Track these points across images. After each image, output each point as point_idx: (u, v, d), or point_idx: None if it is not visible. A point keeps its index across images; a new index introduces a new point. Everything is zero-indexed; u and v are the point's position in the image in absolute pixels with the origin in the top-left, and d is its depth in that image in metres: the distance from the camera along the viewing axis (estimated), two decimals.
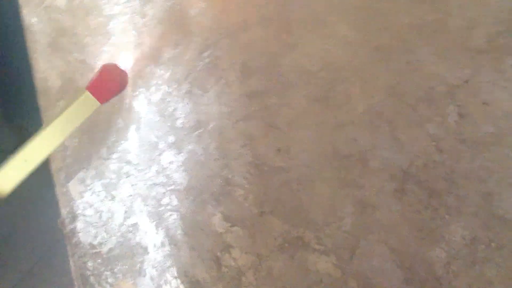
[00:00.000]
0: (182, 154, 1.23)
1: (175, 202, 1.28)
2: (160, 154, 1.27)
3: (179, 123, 1.21)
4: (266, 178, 1.13)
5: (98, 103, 0.73)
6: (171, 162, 1.25)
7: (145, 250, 1.38)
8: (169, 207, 1.30)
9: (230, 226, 1.21)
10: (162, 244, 1.34)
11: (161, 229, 1.33)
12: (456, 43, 0.87)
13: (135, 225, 1.38)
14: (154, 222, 1.33)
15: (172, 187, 1.27)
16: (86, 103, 0.71)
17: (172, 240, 1.32)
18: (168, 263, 1.34)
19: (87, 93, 0.71)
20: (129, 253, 1.41)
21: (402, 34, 0.92)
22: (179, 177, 1.25)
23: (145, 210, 1.34)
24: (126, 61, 0.74)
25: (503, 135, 0.86)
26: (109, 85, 0.75)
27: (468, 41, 0.87)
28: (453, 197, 0.92)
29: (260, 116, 1.09)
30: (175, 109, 1.21)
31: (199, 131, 1.19)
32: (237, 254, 1.21)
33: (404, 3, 0.91)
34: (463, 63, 0.88)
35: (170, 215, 1.30)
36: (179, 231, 1.29)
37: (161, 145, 1.25)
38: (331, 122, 1.02)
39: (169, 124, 1.23)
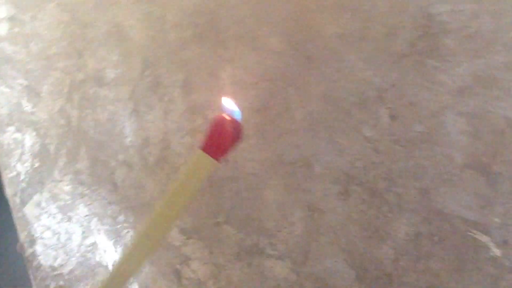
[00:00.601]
0: (133, 171, 1.27)
1: (131, 219, 1.32)
2: (112, 173, 1.30)
3: (128, 141, 1.25)
4: (217, 189, 1.17)
5: (215, 163, 0.65)
6: (123, 180, 1.29)
7: (106, 269, 1.42)
8: (125, 224, 1.34)
9: (187, 239, 1.25)
10: None
11: (120, 247, 1.37)
12: (380, 49, 0.93)
13: (93, 244, 1.42)
14: (112, 240, 1.37)
15: (127, 204, 1.31)
16: (202, 164, 0.65)
17: None
18: (130, 279, 1.37)
19: (202, 153, 0.64)
20: (90, 273, 1.45)
21: (330, 43, 0.97)
22: (133, 194, 1.29)
23: (102, 229, 1.38)
24: (236, 111, 0.68)
25: (432, 133, 0.92)
26: (223, 139, 0.64)
27: (391, 46, 0.92)
28: (393, 195, 0.98)
29: (204, 130, 1.14)
30: (122, 128, 1.25)
31: (149, 147, 1.23)
32: (196, 265, 1.26)
33: (329, 14, 0.97)
34: (388, 68, 0.93)
35: (128, 232, 1.34)
36: None
37: (112, 164, 1.29)
38: (273, 131, 1.07)
39: (118, 143, 1.26)
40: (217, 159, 0.63)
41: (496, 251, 0.92)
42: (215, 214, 1.19)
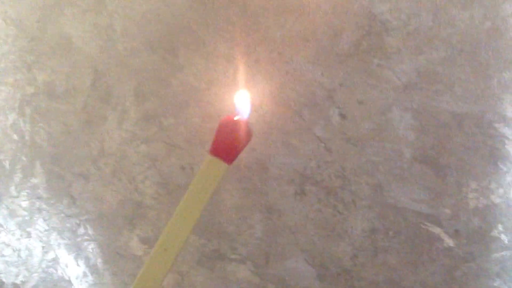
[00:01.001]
0: (90, 183, 1.27)
1: (91, 231, 1.32)
2: (69, 186, 1.30)
3: (82, 152, 1.25)
4: (175, 196, 1.18)
5: (226, 165, 0.63)
6: (80, 193, 1.29)
7: (69, 283, 1.41)
8: (85, 237, 1.33)
9: (148, 248, 1.26)
10: (85, 275, 1.37)
11: (81, 260, 1.36)
12: (327, 50, 0.95)
13: (55, 259, 1.41)
14: (73, 254, 1.37)
15: (86, 216, 1.31)
16: (213, 168, 0.62)
17: (93, 270, 1.36)
18: None
19: (211, 158, 0.62)
20: None
21: (277, 46, 0.99)
22: (91, 206, 1.29)
23: (62, 243, 1.37)
24: (244, 110, 0.64)
25: (381, 130, 0.94)
26: (232, 141, 0.62)
27: (337, 46, 0.95)
28: (347, 192, 1.01)
29: (160, 138, 1.15)
30: (77, 140, 1.25)
31: (104, 158, 1.23)
32: None
33: (274, 17, 0.99)
34: (336, 68, 0.96)
35: (88, 244, 1.34)
36: (99, 260, 1.33)
37: (69, 177, 1.29)
38: None
39: (73, 155, 1.26)
40: (228, 162, 0.62)
41: (449, 242, 0.95)
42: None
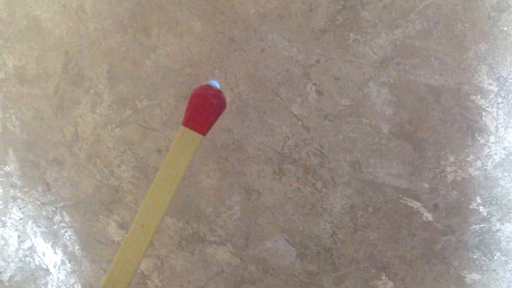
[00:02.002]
0: (65, 169, 1.24)
1: (67, 218, 1.29)
2: (43, 173, 1.27)
3: (56, 138, 1.22)
4: (151, 180, 1.16)
5: (200, 136, 0.61)
6: (55, 179, 1.26)
7: (47, 271, 1.39)
8: (62, 224, 1.31)
9: (126, 233, 1.24)
10: (62, 263, 1.35)
11: (59, 248, 1.34)
12: (302, 26, 0.94)
13: (31, 248, 1.38)
14: (50, 242, 1.34)
15: (62, 203, 1.29)
16: (187, 140, 0.61)
17: (71, 257, 1.33)
18: (72, 280, 1.35)
19: (185, 129, 0.61)
20: (31, 277, 1.41)
21: (252, 24, 0.97)
22: (67, 193, 1.26)
23: (38, 231, 1.35)
24: (215, 81, 0.62)
25: (358, 106, 0.93)
26: (205, 111, 0.60)
27: (312, 22, 0.93)
28: (326, 170, 1.00)
29: (135, 121, 1.13)
30: (50, 126, 1.22)
31: (79, 143, 1.20)
32: None
33: None
34: (311, 44, 0.94)
35: (65, 232, 1.31)
36: (77, 247, 1.31)
37: (43, 164, 1.26)
38: None
39: (46, 141, 1.23)
40: (201, 133, 0.61)
41: (428, 216, 0.94)
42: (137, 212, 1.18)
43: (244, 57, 0.99)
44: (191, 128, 0.61)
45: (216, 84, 0.62)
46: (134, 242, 0.58)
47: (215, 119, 0.63)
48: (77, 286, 1.33)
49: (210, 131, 0.67)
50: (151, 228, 0.59)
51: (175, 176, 0.61)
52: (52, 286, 1.39)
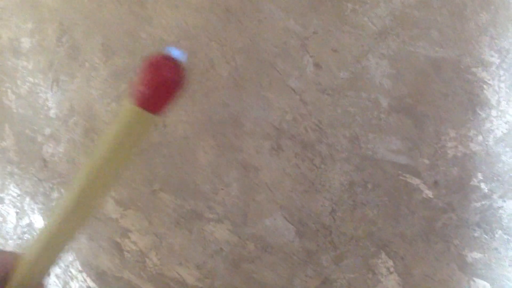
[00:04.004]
0: (61, 144, 1.26)
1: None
2: (40, 148, 1.29)
3: (52, 113, 1.23)
4: (148, 156, 1.17)
5: (153, 117, 0.49)
6: (52, 155, 1.28)
7: None
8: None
9: (124, 210, 1.25)
10: None
11: None
12: None
13: (29, 225, 1.41)
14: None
15: (59, 179, 1.30)
16: (136, 120, 0.49)
17: None
18: (70, 258, 1.37)
19: (135, 108, 0.49)
20: None
21: None
22: (64, 169, 1.28)
23: (36, 208, 1.37)
24: (177, 50, 0.49)
25: (356, 79, 0.93)
26: (159, 85, 0.48)
27: None
28: (324, 146, 1.00)
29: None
30: (45, 100, 1.23)
31: (74, 118, 1.22)
32: (136, 237, 1.26)
33: None
34: (309, 15, 0.94)
35: None
36: None
37: (39, 139, 1.28)
38: (200, 90, 1.07)
39: (42, 116, 1.25)
40: (154, 113, 0.50)
41: (428, 193, 0.95)
42: (150, 182, 1.20)
43: (240, 29, 1.00)
44: (143, 107, 0.49)
45: (176, 52, 0.49)
46: (58, 229, 0.51)
47: (173, 97, 0.51)
48: (76, 264, 1.35)
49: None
50: (85, 212, 0.51)
51: (118, 161, 0.50)
52: None
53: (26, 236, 1.41)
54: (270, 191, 1.07)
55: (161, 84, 0.49)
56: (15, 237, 1.43)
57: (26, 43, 1.19)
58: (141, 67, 0.50)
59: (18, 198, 1.36)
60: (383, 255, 1.02)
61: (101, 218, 1.28)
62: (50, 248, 0.52)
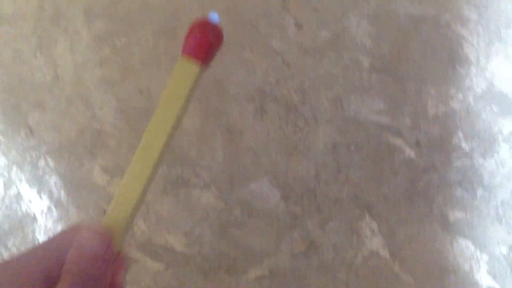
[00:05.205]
0: (47, 112, 1.29)
1: (51, 163, 1.34)
2: (25, 117, 1.32)
3: (37, 80, 1.26)
4: (134, 122, 1.20)
5: (200, 65, 0.59)
6: (38, 123, 1.31)
7: (34, 218, 1.45)
8: (47, 169, 1.36)
9: (111, 178, 1.29)
10: (49, 209, 1.41)
11: (44, 194, 1.39)
12: None
13: (17, 195, 1.44)
14: (36, 188, 1.40)
15: (45, 148, 1.34)
16: (187, 69, 0.59)
17: (57, 203, 1.39)
18: (59, 228, 1.41)
19: (184, 58, 0.59)
20: (18, 225, 1.48)
21: None
22: (50, 137, 1.31)
23: (23, 178, 1.40)
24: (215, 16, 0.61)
25: (338, 39, 0.96)
26: (205, 40, 0.59)
27: None
28: (307, 108, 1.03)
29: (114, 60, 1.16)
30: (30, 67, 1.26)
31: (59, 84, 1.24)
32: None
33: None
34: None
35: (50, 177, 1.36)
36: (62, 193, 1.37)
37: (24, 107, 1.31)
38: None
39: (27, 83, 1.28)
40: (202, 62, 0.59)
41: (410, 153, 0.97)
42: (135, 149, 1.22)
43: None
44: (191, 57, 0.59)
45: (216, 16, 0.62)
46: (135, 180, 0.57)
47: (215, 52, 0.61)
48: None
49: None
50: (154, 160, 0.58)
51: (174, 108, 0.60)
52: (40, 233, 1.45)
53: (15, 206, 1.45)
54: (255, 155, 1.10)
55: (210, 40, 0.58)
56: (3, 207, 1.46)
57: (8, 8, 1.21)
58: (192, 27, 0.59)
59: (5, 167, 1.40)
60: (367, 217, 1.05)
61: (88, 186, 1.31)
62: (129, 211, 0.58)
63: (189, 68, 0.59)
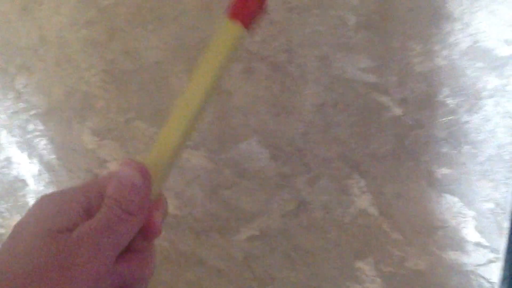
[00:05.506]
0: (34, 74, 1.30)
1: (40, 126, 1.36)
2: (12, 80, 1.33)
3: (23, 42, 1.27)
4: (122, 84, 1.21)
5: (243, 29, 0.65)
6: (25, 85, 1.32)
7: (24, 182, 1.47)
8: (36, 133, 1.38)
9: (100, 140, 1.30)
10: (40, 173, 1.43)
11: (34, 158, 1.41)
12: None
13: (7, 159, 1.46)
14: (26, 152, 1.41)
15: (34, 111, 1.35)
16: (229, 30, 0.64)
17: (48, 167, 1.41)
18: (50, 191, 1.43)
19: (228, 20, 0.64)
20: (9, 189, 1.50)
21: None
22: (38, 100, 1.32)
23: (13, 141, 1.42)
24: None
25: None
26: (249, 4, 0.64)
27: None
28: (294, 67, 1.04)
29: (100, 20, 1.16)
30: (15, 29, 1.26)
31: (45, 46, 1.25)
32: (114, 167, 1.32)
33: None
34: None
35: (40, 141, 1.38)
36: (52, 156, 1.38)
37: (11, 70, 1.31)
38: (170, 14, 1.10)
39: (13, 45, 1.28)
40: (244, 25, 0.65)
41: (397, 110, 0.99)
42: (124, 111, 1.24)
43: None
44: (234, 19, 0.65)
45: None
46: (174, 127, 0.61)
47: (258, 16, 0.69)
48: None
49: None
50: (193, 109, 0.62)
51: (215, 66, 0.64)
52: (31, 197, 1.47)
53: (5, 170, 1.47)
54: (244, 115, 1.11)
55: (253, 6, 0.65)
56: None
57: None
58: None
59: None
60: (356, 175, 1.07)
61: (78, 149, 1.33)
62: (168, 157, 0.62)
63: (231, 29, 0.65)
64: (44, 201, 0.54)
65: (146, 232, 0.55)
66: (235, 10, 0.65)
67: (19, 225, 0.50)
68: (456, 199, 0.99)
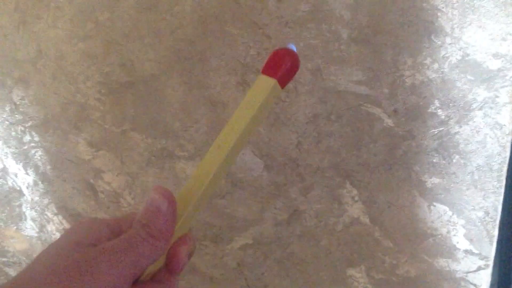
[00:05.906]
0: (32, 87, 1.30)
1: (36, 138, 1.36)
2: (10, 92, 1.33)
3: (20, 55, 1.27)
4: (118, 96, 1.22)
5: (277, 84, 0.68)
6: (22, 98, 1.32)
7: (20, 193, 1.46)
8: (32, 144, 1.37)
9: (96, 151, 1.31)
10: (35, 183, 1.43)
11: (30, 169, 1.41)
12: None
13: (3, 169, 1.45)
14: (21, 163, 1.41)
15: (30, 123, 1.35)
16: (263, 84, 0.68)
17: (43, 177, 1.41)
18: (46, 201, 1.43)
19: (263, 76, 0.68)
20: (4, 200, 1.49)
21: None
22: (34, 111, 1.32)
23: (9, 152, 1.42)
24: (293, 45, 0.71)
25: (317, 12, 0.97)
26: (283, 64, 0.68)
27: None
28: None
29: (97, 34, 1.17)
30: (12, 42, 1.26)
31: (43, 59, 1.25)
32: (109, 177, 1.32)
33: None
34: None
35: (35, 152, 1.38)
36: (48, 167, 1.38)
37: (9, 82, 1.32)
38: (165, 28, 1.11)
39: (11, 58, 1.28)
40: (279, 81, 0.68)
41: (389, 121, 1.00)
42: (120, 122, 1.24)
43: None
44: (270, 75, 0.67)
45: (293, 47, 0.71)
46: (205, 169, 0.64)
47: (292, 76, 0.71)
48: (51, 207, 1.41)
49: None
50: (223, 154, 0.64)
51: (247, 116, 0.67)
52: (27, 207, 1.47)
53: (1, 181, 1.46)
54: None
55: (290, 66, 0.67)
56: None
57: None
58: (274, 51, 0.68)
59: None
60: (348, 185, 1.08)
61: (73, 160, 1.33)
62: (198, 197, 0.65)
63: (266, 83, 0.67)
64: (80, 221, 0.58)
65: (170, 265, 0.57)
66: (269, 68, 0.68)
67: (57, 238, 0.54)
68: (446, 208, 1.01)
